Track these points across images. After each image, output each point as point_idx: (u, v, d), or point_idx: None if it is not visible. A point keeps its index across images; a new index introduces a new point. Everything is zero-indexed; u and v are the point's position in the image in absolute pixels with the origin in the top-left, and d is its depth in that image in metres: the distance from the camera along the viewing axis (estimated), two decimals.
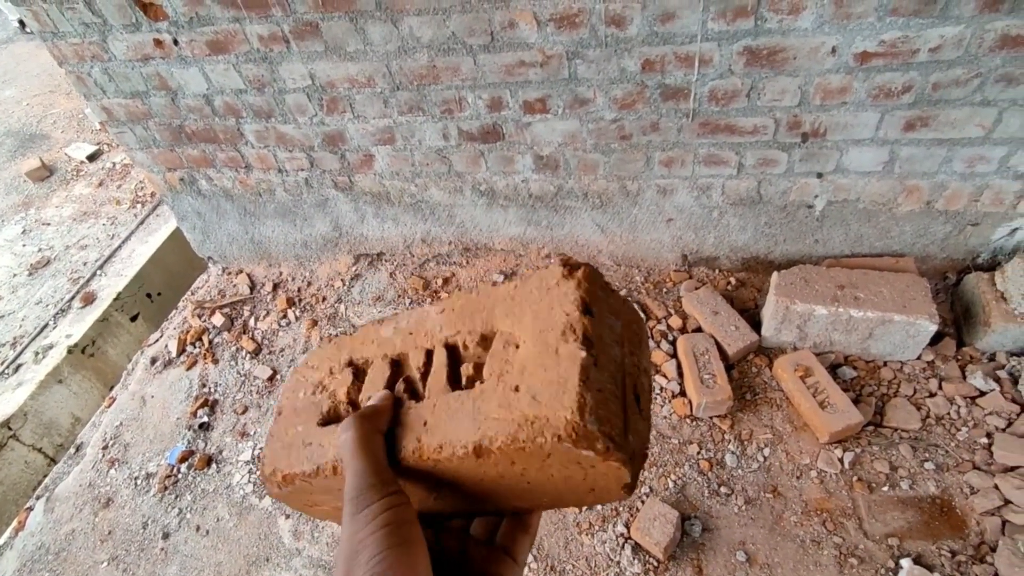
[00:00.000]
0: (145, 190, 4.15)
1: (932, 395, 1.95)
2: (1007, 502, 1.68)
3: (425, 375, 0.51)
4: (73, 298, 3.29)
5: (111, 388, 2.93)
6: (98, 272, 3.48)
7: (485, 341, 0.49)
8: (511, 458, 0.41)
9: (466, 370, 0.49)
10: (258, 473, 0.56)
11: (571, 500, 0.50)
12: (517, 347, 0.45)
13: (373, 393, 0.51)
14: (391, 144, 2.30)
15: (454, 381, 0.48)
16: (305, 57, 2.05)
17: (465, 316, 0.50)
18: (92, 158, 4.57)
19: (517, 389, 0.42)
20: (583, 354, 0.40)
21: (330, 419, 0.53)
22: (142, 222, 3.83)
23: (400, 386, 0.51)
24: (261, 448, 2.23)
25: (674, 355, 2.18)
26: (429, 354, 0.51)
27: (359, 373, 0.55)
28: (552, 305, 0.45)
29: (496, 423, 0.41)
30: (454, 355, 0.50)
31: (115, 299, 3.30)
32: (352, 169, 2.44)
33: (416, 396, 0.50)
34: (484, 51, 1.92)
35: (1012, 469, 1.74)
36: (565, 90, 1.98)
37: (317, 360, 0.59)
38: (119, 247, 3.66)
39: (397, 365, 0.54)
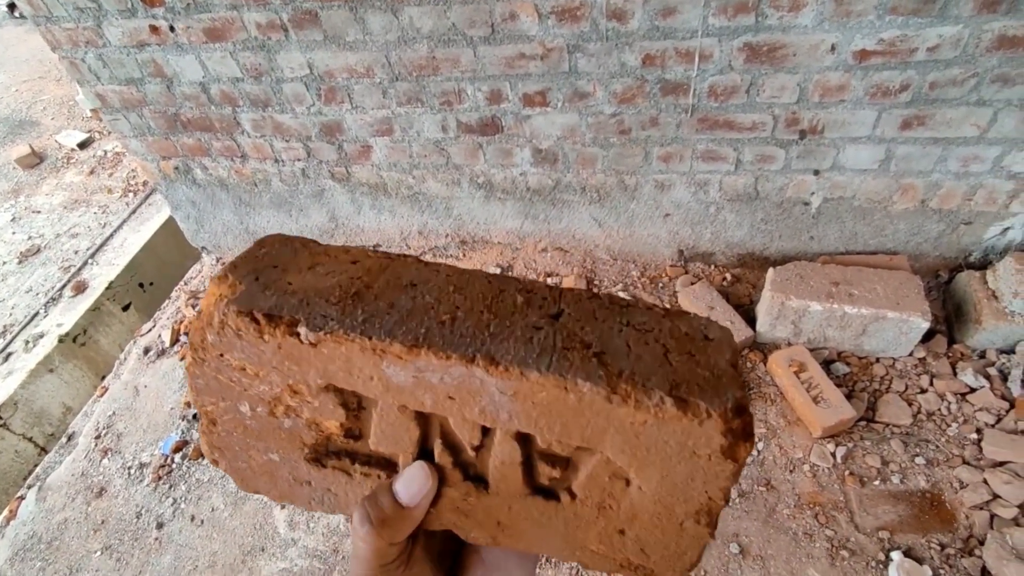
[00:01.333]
0: (137, 179, 4.11)
1: (923, 391, 1.98)
2: (996, 496, 1.71)
3: (480, 452, 0.40)
4: (64, 287, 3.26)
5: (103, 378, 2.90)
6: (90, 261, 3.44)
7: (579, 451, 0.39)
8: None
9: (546, 471, 0.39)
10: (208, 460, 0.43)
11: None
12: (627, 483, 0.38)
13: (405, 467, 0.40)
14: (389, 135, 2.29)
15: (528, 478, 0.40)
16: (304, 46, 2.04)
17: (552, 418, 0.36)
18: (83, 146, 4.51)
19: (623, 532, 0.39)
20: (710, 539, 0.39)
21: (322, 454, 0.42)
22: (134, 211, 3.79)
23: (446, 457, 0.40)
24: None
25: None
26: (486, 431, 0.39)
27: (349, 405, 0.40)
28: (693, 476, 0.36)
29: (595, 557, 0.40)
30: (526, 445, 0.39)
31: (107, 288, 3.27)
32: (349, 160, 2.43)
33: (467, 472, 0.40)
34: (484, 43, 1.92)
35: (1001, 464, 1.76)
36: (565, 83, 1.97)
37: (249, 362, 0.38)
38: (111, 236, 3.63)
39: (426, 420, 0.40)
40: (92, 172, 4.26)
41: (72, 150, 4.50)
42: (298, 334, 0.36)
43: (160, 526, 2.04)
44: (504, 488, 0.40)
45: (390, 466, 0.42)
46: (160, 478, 2.17)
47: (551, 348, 0.35)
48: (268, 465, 0.42)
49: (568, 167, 2.25)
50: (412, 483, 0.39)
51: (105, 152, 4.44)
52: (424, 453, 0.41)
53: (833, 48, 1.72)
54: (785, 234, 2.28)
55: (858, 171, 2.02)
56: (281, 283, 0.39)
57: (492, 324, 0.37)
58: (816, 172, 2.05)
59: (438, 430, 0.40)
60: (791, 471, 1.89)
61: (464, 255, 2.67)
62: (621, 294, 2.38)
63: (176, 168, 2.64)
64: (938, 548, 1.68)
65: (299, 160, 2.48)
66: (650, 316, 0.39)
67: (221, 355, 0.38)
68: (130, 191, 4.05)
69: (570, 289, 0.41)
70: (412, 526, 0.38)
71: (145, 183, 4.03)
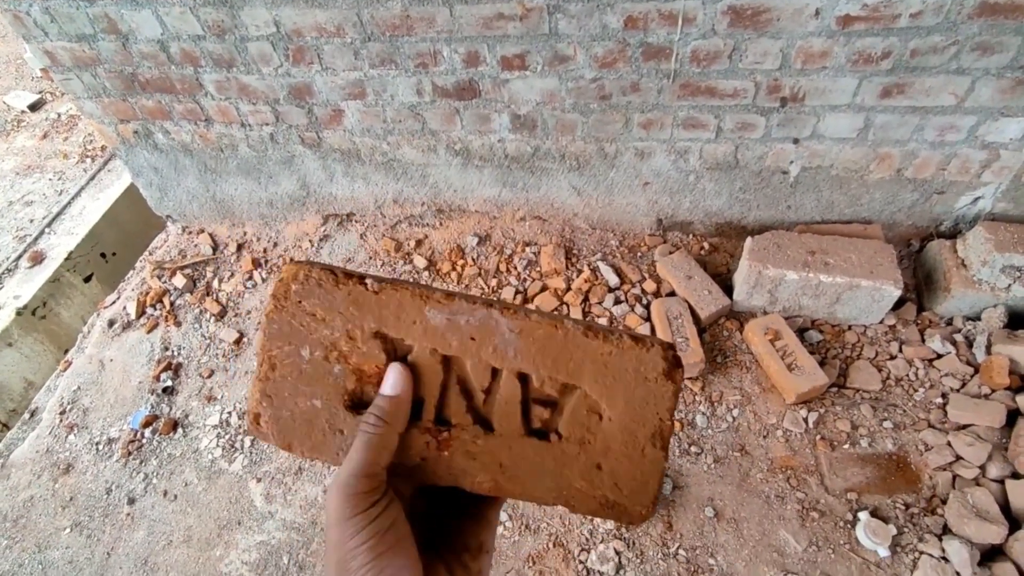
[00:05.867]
0: (95, 143, 3.91)
1: (893, 358, 2.03)
2: (958, 458, 1.77)
3: (488, 396, 0.49)
4: (20, 257, 3.11)
5: (66, 351, 2.80)
6: (46, 230, 3.29)
7: (564, 390, 0.49)
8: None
9: (539, 414, 0.49)
10: (246, 423, 0.48)
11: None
12: (600, 418, 0.49)
13: (393, 377, 0.48)
14: (362, 99, 2.20)
15: (525, 420, 0.49)
16: (269, 2, 1.92)
17: (547, 355, 0.49)
18: (34, 107, 4.26)
19: (600, 467, 0.48)
20: (664, 463, 0.49)
21: (356, 402, 0.49)
22: (92, 177, 3.62)
23: (459, 401, 0.49)
24: (234, 410, 2.18)
25: (648, 319, 2.20)
26: (495, 372, 0.49)
27: (393, 352, 0.50)
28: (648, 400, 0.48)
29: (579, 495, 0.48)
30: (525, 386, 0.50)
31: (66, 259, 3.13)
32: (320, 125, 2.33)
33: (477, 416, 0.49)
34: (461, 2, 1.83)
35: (964, 427, 1.83)
36: (545, 46, 1.91)
37: (322, 308, 0.49)
38: (68, 204, 3.46)
39: (449, 365, 0.50)
40: (45, 136, 4.03)
41: (22, 112, 4.24)
42: (366, 284, 0.49)
43: (132, 502, 2.00)
44: (506, 427, 0.49)
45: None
46: (130, 453, 2.12)
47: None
48: (309, 412, 0.49)
49: (547, 134, 2.20)
50: (391, 378, 0.48)
51: (59, 115, 4.20)
52: (443, 398, 0.49)
53: (817, 13, 1.69)
54: (763, 203, 2.29)
55: (837, 140, 2.02)
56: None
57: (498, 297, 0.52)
58: (796, 141, 2.04)
59: (455, 378, 0.49)
60: (764, 436, 1.93)
61: (440, 224, 2.62)
62: (600, 264, 2.37)
63: (136, 132, 2.51)
64: (903, 508, 1.74)
65: (267, 125, 2.37)
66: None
67: (300, 302, 0.49)
68: (88, 156, 3.85)
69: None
70: (403, 414, 0.48)
71: (103, 148, 3.84)
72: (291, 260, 0.60)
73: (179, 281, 2.66)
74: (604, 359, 0.48)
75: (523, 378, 0.49)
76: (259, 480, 2.00)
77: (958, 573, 1.59)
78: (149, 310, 2.61)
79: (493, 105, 2.13)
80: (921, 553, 1.65)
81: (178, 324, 2.52)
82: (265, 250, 2.74)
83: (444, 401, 0.49)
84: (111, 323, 2.59)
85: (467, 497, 0.51)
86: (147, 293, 2.66)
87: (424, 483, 0.50)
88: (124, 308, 2.64)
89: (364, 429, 0.45)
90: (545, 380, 0.49)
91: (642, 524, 0.52)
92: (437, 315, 0.49)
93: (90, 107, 2.40)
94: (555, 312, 0.49)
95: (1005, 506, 1.67)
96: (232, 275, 2.67)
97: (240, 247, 2.77)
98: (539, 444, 0.48)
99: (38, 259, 3.09)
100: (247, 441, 2.09)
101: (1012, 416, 1.81)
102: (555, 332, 0.48)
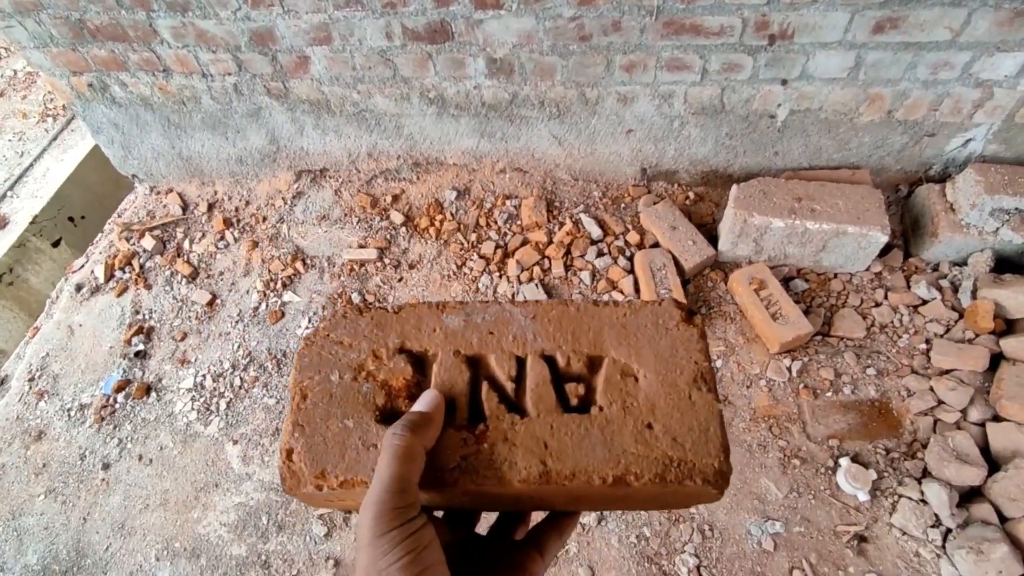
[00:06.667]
0: (57, 102, 3.72)
1: (878, 305, 2.00)
2: (940, 403, 1.77)
3: (518, 385, 0.49)
4: None
5: (36, 318, 2.72)
6: (8, 193, 3.15)
7: (592, 363, 0.49)
8: (643, 490, 0.44)
9: (574, 390, 0.48)
10: (279, 464, 0.48)
11: (648, 508, 0.57)
12: (635, 379, 0.48)
13: (425, 397, 0.48)
14: (328, 44, 2.07)
15: (561, 399, 0.48)
16: None
17: (565, 330, 0.50)
18: None
19: (650, 426, 0.45)
20: (720, 406, 0.46)
21: (387, 415, 0.48)
22: (55, 138, 3.45)
23: (491, 395, 0.49)
24: (208, 372, 2.12)
25: (631, 271, 2.15)
26: (520, 362, 0.50)
27: (418, 364, 0.51)
28: (675, 347, 0.48)
29: (638, 459, 0.44)
30: (554, 369, 0.49)
31: (32, 223, 3.01)
32: (286, 73, 2.21)
33: (511, 405, 0.48)
34: None
35: (947, 372, 1.82)
36: None
37: (348, 336, 0.52)
38: (31, 166, 3.31)
39: (474, 364, 0.50)
40: (2, 94, 3.84)
41: None
42: (386, 308, 0.53)
43: (106, 467, 1.96)
44: (542, 408, 0.47)
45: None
46: (103, 419, 2.07)
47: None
48: (342, 433, 0.48)
49: (525, 79, 2.09)
50: (425, 399, 0.47)
51: (15, 72, 3.99)
52: (474, 397, 0.49)
53: None
54: (750, 149, 2.21)
55: (827, 80, 1.93)
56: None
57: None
58: (784, 82, 1.96)
59: (483, 376, 0.50)
60: (748, 387, 1.91)
61: (418, 178, 2.53)
62: (583, 216, 2.30)
63: (91, 85, 2.36)
64: (883, 453, 1.74)
65: (229, 74, 2.24)
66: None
67: (328, 335, 0.52)
68: (49, 115, 3.67)
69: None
70: (433, 430, 0.45)
71: (64, 107, 3.65)
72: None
73: (148, 243, 2.56)
74: (621, 321, 0.49)
75: (549, 360, 0.49)
76: (236, 442, 1.96)
77: (936, 515, 1.60)
78: (118, 273, 2.52)
79: (467, 48, 2.02)
80: (900, 496, 1.65)
81: (148, 287, 2.44)
82: (237, 209, 2.64)
83: (475, 399, 0.49)
84: (79, 288, 2.50)
85: (507, 547, 0.50)
86: (115, 256, 2.56)
87: (467, 496, 0.47)
88: (92, 272, 2.54)
89: (390, 441, 0.43)
90: (570, 357, 0.49)
91: (722, 489, 0.44)
92: (454, 319, 0.51)
93: (38, 58, 2.25)
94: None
95: (985, 449, 1.68)
96: (203, 236, 2.58)
97: (211, 206, 2.66)
98: (581, 418, 0.46)
99: (1, 224, 2.96)
100: (223, 404, 2.04)
101: (995, 360, 1.80)
102: (567, 309, 0.51)
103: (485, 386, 0.49)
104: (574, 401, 0.48)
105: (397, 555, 0.38)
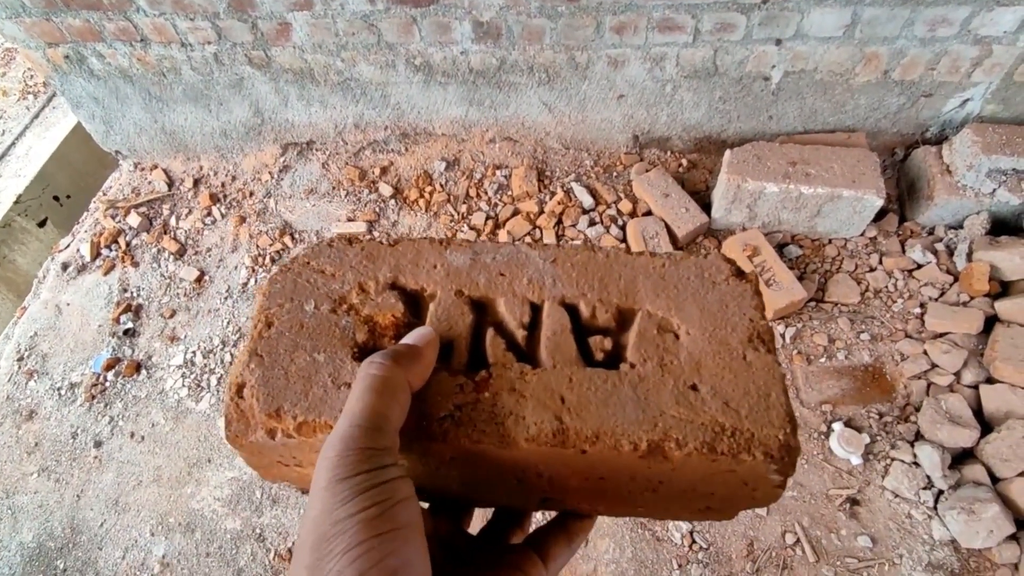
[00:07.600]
0: (37, 79, 3.64)
1: (872, 270, 1.98)
2: (934, 366, 1.76)
3: (531, 334, 0.41)
4: None
5: (24, 299, 2.69)
6: None
7: (622, 317, 0.42)
8: (685, 465, 0.36)
9: (600, 343, 0.41)
10: (225, 402, 0.37)
11: (685, 513, 0.46)
12: (676, 336, 0.40)
13: (417, 331, 0.40)
14: (309, 9, 2.01)
15: (582, 353, 0.40)
16: None
17: (591, 277, 0.43)
18: None
19: (695, 388, 0.38)
20: (782, 369, 0.39)
21: (368, 354, 0.39)
22: (36, 115, 3.38)
23: (497, 340, 0.41)
24: (198, 349, 2.11)
25: (624, 240, 2.12)
26: (535, 309, 0.42)
27: (412, 303, 0.43)
28: (725, 303, 0.41)
29: (680, 424, 0.36)
30: (575, 320, 0.42)
31: (16, 202, 2.95)
32: (267, 41, 2.14)
33: (520, 354, 0.41)
34: None
35: (941, 335, 1.81)
36: None
37: (331, 265, 0.44)
38: (12, 144, 3.24)
39: (480, 309, 0.43)
40: None
41: None
42: (381, 241, 0.46)
43: (98, 445, 1.96)
44: (559, 358, 0.40)
45: None
46: (94, 397, 2.05)
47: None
48: (308, 368, 0.40)
49: (513, 43, 2.03)
50: (416, 332, 0.40)
51: None
52: (476, 345, 0.41)
53: None
54: (744, 114, 2.17)
55: (822, 40, 1.88)
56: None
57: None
58: (778, 42, 1.91)
59: (488, 321, 0.42)
60: None
61: (406, 150, 2.48)
62: (574, 185, 2.26)
63: (67, 57, 2.30)
64: (877, 417, 1.74)
65: (209, 43, 2.17)
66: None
67: (308, 262, 0.45)
68: (29, 92, 3.59)
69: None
70: (422, 366, 0.37)
71: (46, 84, 3.57)
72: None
73: (134, 220, 2.52)
74: (659, 272, 0.42)
75: (570, 310, 0.42)
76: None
77: (928, 476, 1.60)
78: (104, 251, 2.48)
79: (453, 11, 1.96)
80: (893, 459, 1.65)
81: (136, 264, 2.41)
82: (223, 184, 2.59)
83: (478, 347, 0.41)
84: (65, 267, 2.47)
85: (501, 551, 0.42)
86: (101, 234, 2.52)
87: (456, 466, 0.39)
88: (78, 251, 2.51)
89: (367, 371, 0.35)
90: (596, 307, 0.42)
91: (787, 473, 0.34)
92: (459, 256, 0.44)
93: (11, 28, 2.18)
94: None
95: (978, 411, 1.67)
96: (190, 212, 2.53)
97: (197, 182, 2.62)
98: (607, 373, 0.39)
99: None
100: (213, 380, 2.03)
101: (989, 322, 1.79)
102: (594, 255, 0.43)
103: (491, 332, 0.41)
104: (599, 356, 0.40)
105: (359, 505, 0.28)
